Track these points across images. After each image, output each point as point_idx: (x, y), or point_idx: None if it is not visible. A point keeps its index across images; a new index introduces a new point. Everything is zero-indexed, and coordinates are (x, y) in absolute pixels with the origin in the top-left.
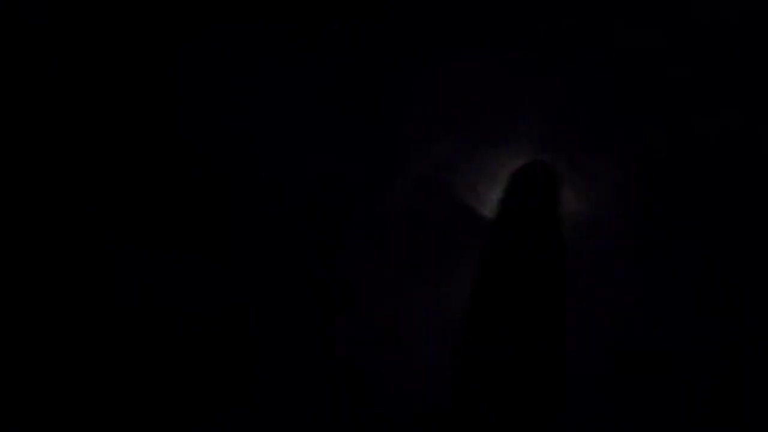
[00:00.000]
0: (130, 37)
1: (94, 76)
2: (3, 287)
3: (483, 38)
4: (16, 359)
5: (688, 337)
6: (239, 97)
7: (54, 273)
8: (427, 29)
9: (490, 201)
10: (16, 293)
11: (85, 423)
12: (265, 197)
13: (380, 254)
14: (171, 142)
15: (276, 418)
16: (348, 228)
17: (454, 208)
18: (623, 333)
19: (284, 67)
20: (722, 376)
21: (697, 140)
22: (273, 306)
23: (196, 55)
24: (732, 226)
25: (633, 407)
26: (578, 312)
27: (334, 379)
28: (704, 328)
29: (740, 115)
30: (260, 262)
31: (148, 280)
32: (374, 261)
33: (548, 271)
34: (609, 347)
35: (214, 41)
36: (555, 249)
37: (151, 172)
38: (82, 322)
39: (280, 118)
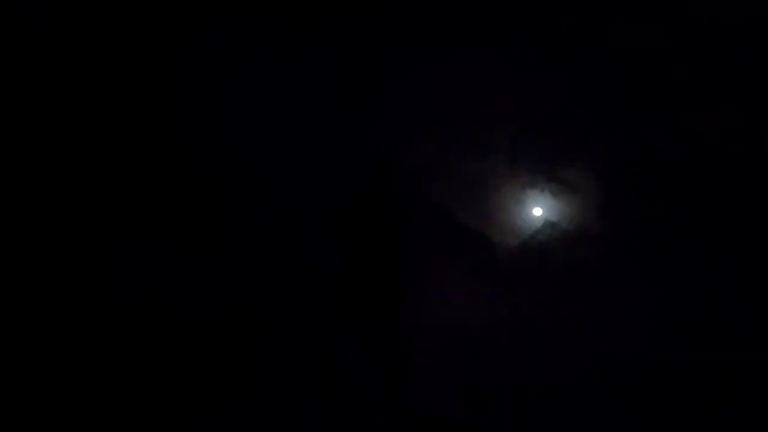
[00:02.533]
0: (130, 37)
1: (94, 76)
2: (3, 287)
3: (476, 44)
4: (17, 359)
5: (685, 337)
6: (239, 97)
7: (54, 273)
8: (425, 31)
9: (468, 208)
10: (17, 293)
11: (86, 423)
12: (264, 197)
13: (376, 254)
14: (171, 142)
15: (276, 418)
16: (346, 228)
17: (433, 212)
18: (622, 335)
19: (284, 67)
20: (722, 376)
21: (677, 146)
22: (273, 306)
23: (196, 55)
24: (722, 229)
25: (635, 407)
26: (578, 315)
27: (332, 377)
28: (700, 327)
29: (737, 118)
30: (260, 262)
31: (148, 280)
32: (369, 262)
33: None
34: (609, 349)
35: (214, 41)
36: None
37: (151, 172)
38: (83, 322)
39: (280, 118)
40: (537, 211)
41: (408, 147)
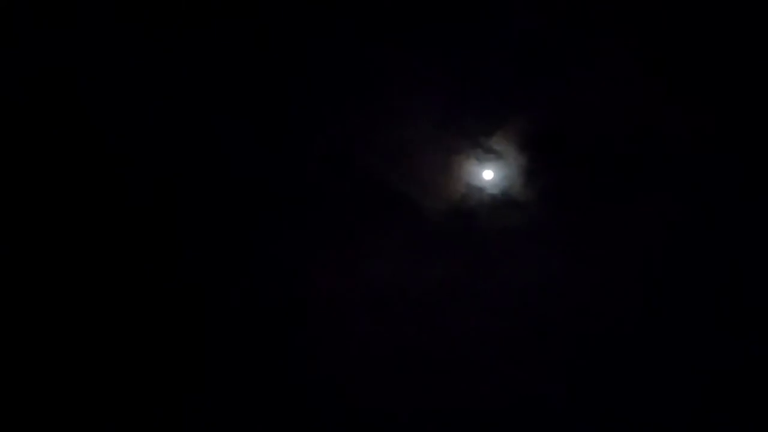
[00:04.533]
0: (130, 37)
1: (93, 76)
2: (3, 287)
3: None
4: (16, 358)
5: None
6: (239, 97)
7: (54, 273)
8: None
9: (396, 175)
10: (17, 293)
11: (85, 420)
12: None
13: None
14: (170, 142)
15: (271, 416)
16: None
17: (361, 182)
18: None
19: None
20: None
21: (602, 111)
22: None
23: (196, 54)
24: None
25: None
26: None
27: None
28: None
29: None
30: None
31: (151, 279)
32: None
33: None
34: (533, 309)
35: (214, 41)
36: None
37: (151, 172)
38: (83, 322)
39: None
40: (466, 176)
41: (335, 117)
